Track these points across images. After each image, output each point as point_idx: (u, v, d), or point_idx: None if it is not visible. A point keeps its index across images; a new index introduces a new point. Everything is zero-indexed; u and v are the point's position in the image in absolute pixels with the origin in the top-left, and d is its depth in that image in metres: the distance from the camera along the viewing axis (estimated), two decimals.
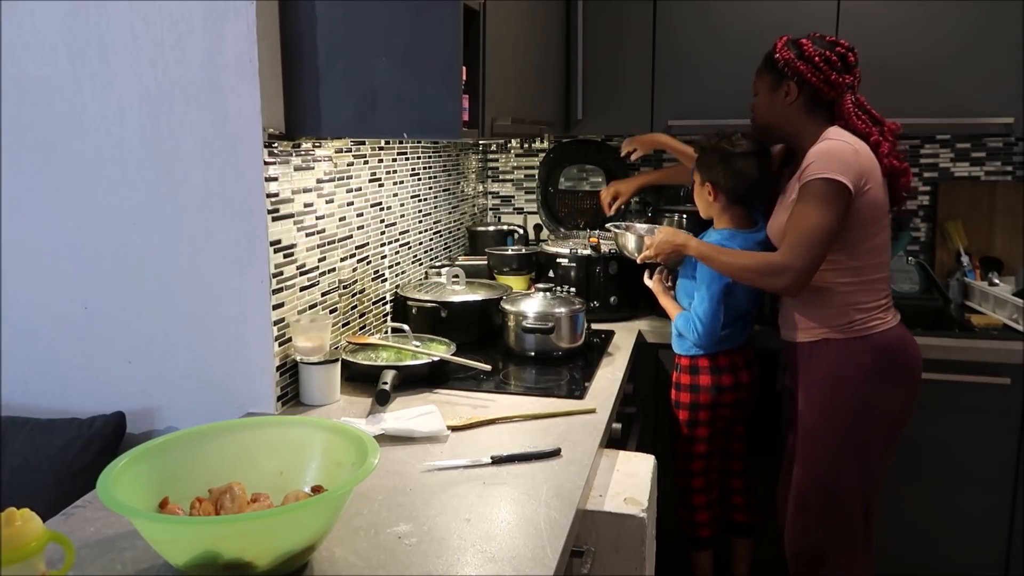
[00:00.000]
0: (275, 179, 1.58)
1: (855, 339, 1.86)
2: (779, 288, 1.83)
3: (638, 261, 2.16)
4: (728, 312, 2.03)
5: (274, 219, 1.58)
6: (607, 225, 2.35)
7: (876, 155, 1.86)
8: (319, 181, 1.76)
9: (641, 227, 2.34)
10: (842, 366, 1.87)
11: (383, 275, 2.15)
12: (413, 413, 1.57)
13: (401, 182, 2.26)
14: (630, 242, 2.20)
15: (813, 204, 1.78)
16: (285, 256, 1.63)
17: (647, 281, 2.21)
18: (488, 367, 1.85)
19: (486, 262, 2.54)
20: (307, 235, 1.72)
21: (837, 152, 1.80)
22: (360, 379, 1.78)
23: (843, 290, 1.87)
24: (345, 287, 1.92)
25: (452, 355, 1.84)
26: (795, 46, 1.91)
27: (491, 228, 2.84)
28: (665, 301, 2.16)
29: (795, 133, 1.94)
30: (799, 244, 1.78)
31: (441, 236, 2.64)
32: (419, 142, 2.37)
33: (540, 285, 2.14)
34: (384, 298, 2.16)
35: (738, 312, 2.07)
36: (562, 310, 2.04)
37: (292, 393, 1.68)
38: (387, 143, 2.14)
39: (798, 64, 1.88)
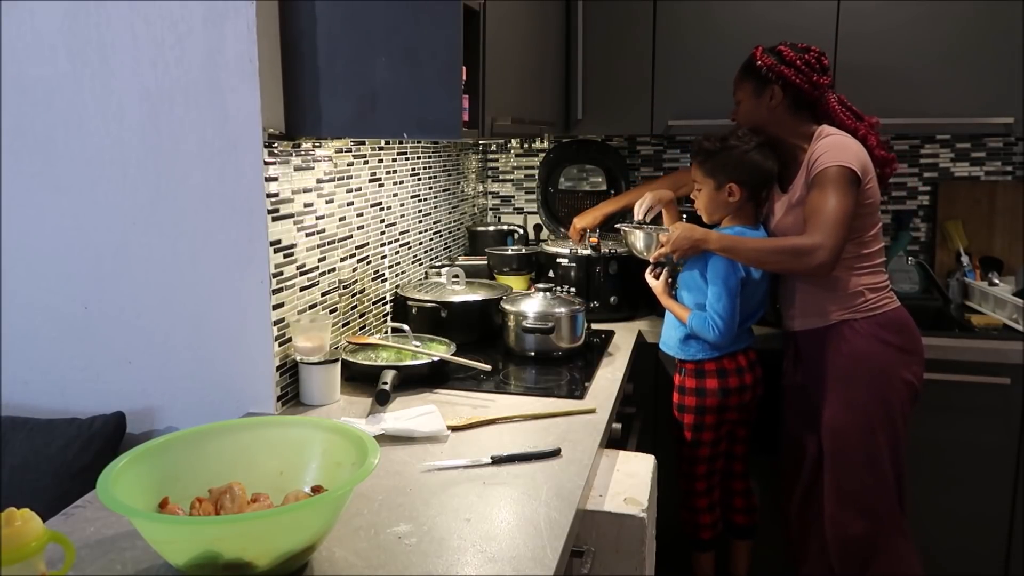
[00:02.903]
0: (275, 179, 1.58)
1: (871, 317, 1.94)
2: (812, 267, 1.85)
3: (651, 259, 2.14)
4: (740, 310, 2.02)
5: (274, 219, 1.58)
6: (617, 225, 2.33)
7: (866, 147, 1.94)
8: (319, 181, 1.76)
9: (650, 225, 2.33)
10: (863, 344, 1.94)
11: (383, 275, 2.15)
12: (413, 413, 1.57)
13: (401, 182, 2.26)
14: (639, 240, 2.18)
15: (832, 189, 1.84)
16: (285, 256, 1.63)
17: (650, 280, 2.18)
18: (488, 367, 1.85)
19: (486, 262, 2.54)
20: (307, 235, 1.72)
21: (846, 144, 1.89)
22: (360, 379, 1.78)
23: (853, 273, 1.94)
24: (345, 287, 1.92)
25: (452, 355, 1.85)
26: (774, 53, 1.99)
27: (491, 228, 2.84)
28: (669, 303, 2.12)
29: (780, 135, 2.01)
30: (825, 224, 1.82)
31: (441, 236, 2.64)
32: (419, 142, 2.37)
33: (540, 285, 2.14)
34: (384, 298, 2.16)
35: (749, 311, 2.06)
36: (562, 310, 2.04)
37: (292, 393, 1.68)
38: (387, 143, 2.14)
39: (781, 68, 1.96)
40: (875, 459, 1.95)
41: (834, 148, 1.88)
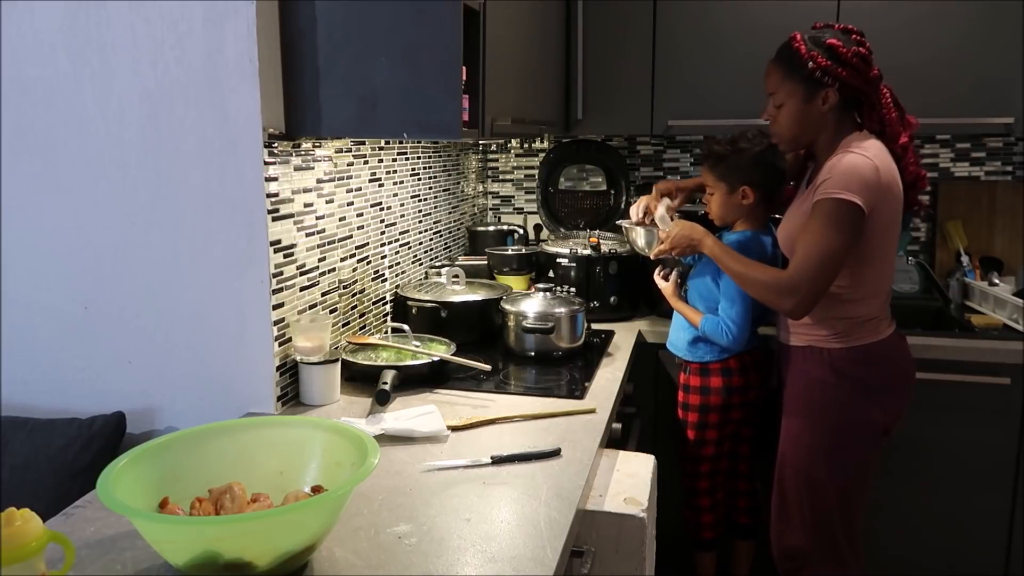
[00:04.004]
0: (275, 179, 1.58)
1: (840, 349, 1.82)
2: (785, 309, 1.77)
3: (652, 256, 2.12)
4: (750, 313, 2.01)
5: (274, 219, 1.58)
6: (618, 222, 2.32)
7: (902, 162, 1.78)
8: (319, 181, 1.76)
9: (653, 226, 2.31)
10: (823, 374, 1.83)
11: (383, 275, 2.15)
12: (413, 413, 1.57)
13: (401, 182, 2.26)
14: (640, 237, 2.17)
15: (826, 225, 1.70)
16: (285, 256, 1.63)
17: (659, 281, 2.16)
18: (488, 367, 1.85)
19: (486, 262, 2.54)
20: (307, 235, 1.72)
21: (857, 169, 1.70)
22: (360, 379, 1.78)
23: (841, 302, 1.81)
24: (345, 287, 1.92)
25: (452, 355, 1.84)
26: (826, 49, 1.76)
27: (491, 228, 2.84)
28: (679, 305, 2.11)
29: (825, 140, 1.83)
30: (808, 267, 1.71)
31: (441, 236, 2.64)
32: (419, 142, 2.37)
33: (540, 285, 2.14)
34: (384, 298, 2.16)
35: (758, 313, 2.04)
36: (562, 310, 2.04)
37: (292, 393, 1.68)
38: (387, 143, 2.14)
39: (839, 71, 1.75)
40: (815, 487, 1.87)
41: (840, 174, 1.70)
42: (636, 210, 2.19)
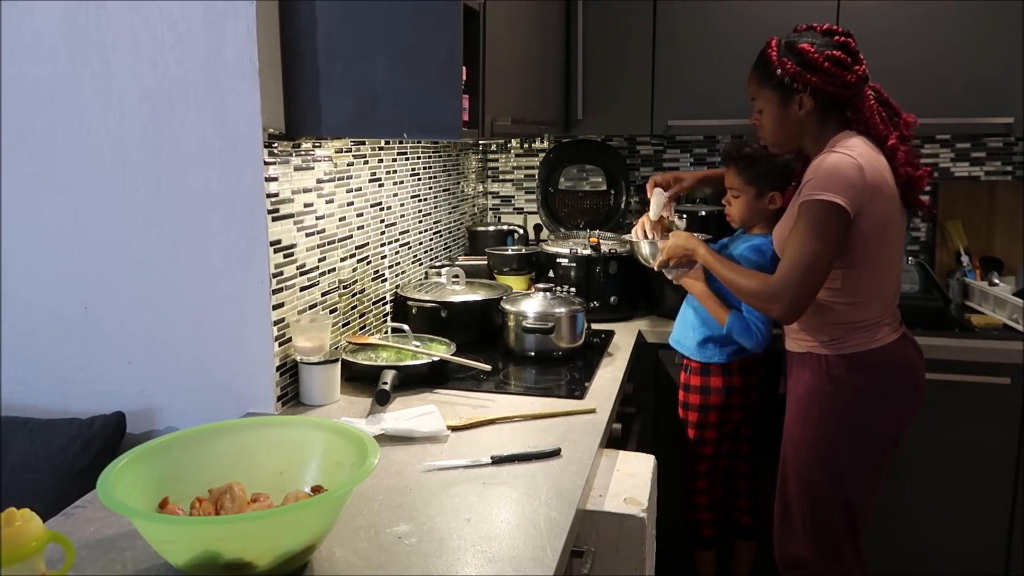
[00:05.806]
0: (275, 179, 1.58)
1: (837, 356, 1.78)
2: (774, 315, 1.75)
3: (655, 268, 2.11)
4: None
5: (274, 219, 1.58)
6: (624, 237, 2.30)
7: (892, 164, 1.75)
8: (319, 181, 1.76)
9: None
10: (819, 381, 1.80)
11: (383, 275, 2.15)
12: (413, 413, 1.57)
13: (401, 182, 2.26)
14: (644, 248, 2.17)
15: (809, 229, 1.67)
16: (285, 256, 1.63)
17: (687, 283, 2.08)
18: (488, 367, 1.85)
19: (486, 262, 2.54)
20: (307, 235, 1.72)
21: (839, 169, 1.67)
22: (360, 379, 1.78)
23: (832, 307, 1.78)
24: (345, 287, 1.92)
25: (452, 355, 1.84)
26: (796, 55, 1.75)
27: (491, 228, 2.84)
28: (710, 304, 2.03)
29: (811, 141, 1.82)
30: (792, 272, 1.68)
31: (441, 236, 2.64)
32: (419, 142, 2.37)
33: (540, 285, 2.14)
34: (384, 298, 2.16)
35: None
36: (562, 310, 2.04)
37: (292, 393, 1.68)
38: (387, 143, 2.14)
39: (808, 76, 1.74)
40: (816, 496, 1.83)
41: (821, 175, 1.67)
42: (637, 230, 2.18)
